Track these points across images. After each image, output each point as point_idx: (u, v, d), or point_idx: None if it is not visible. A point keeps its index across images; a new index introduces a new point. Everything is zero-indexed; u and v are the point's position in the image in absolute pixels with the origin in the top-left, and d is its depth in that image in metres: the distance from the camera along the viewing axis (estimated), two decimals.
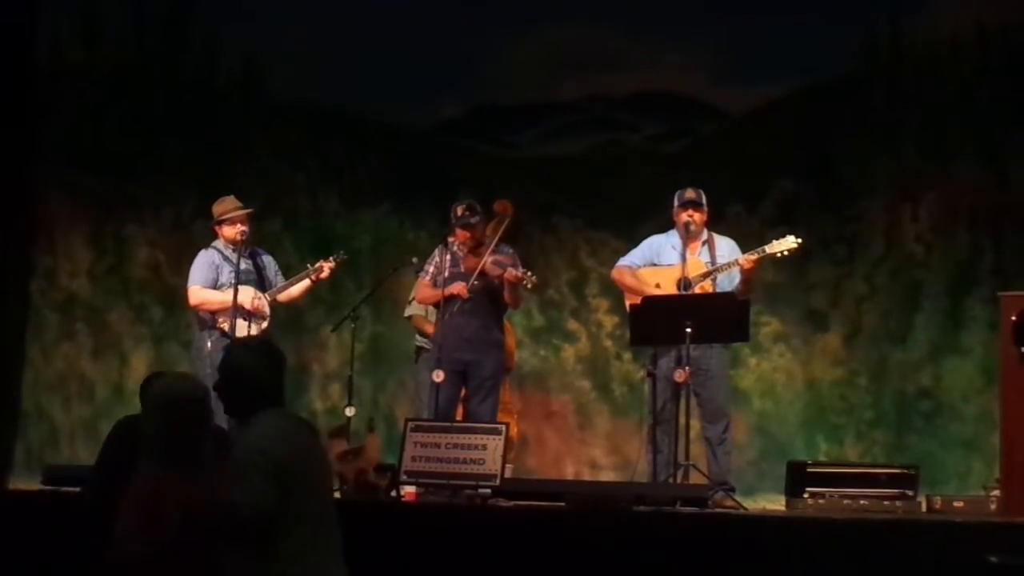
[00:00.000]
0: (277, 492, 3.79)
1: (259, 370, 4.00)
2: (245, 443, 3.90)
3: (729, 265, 7.12)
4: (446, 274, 7.34)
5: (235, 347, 4.32)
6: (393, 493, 6.46)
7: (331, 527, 3.98)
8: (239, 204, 7.62)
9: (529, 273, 7.17)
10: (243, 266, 7.52)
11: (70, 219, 9.61)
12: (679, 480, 6.69)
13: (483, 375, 7.32)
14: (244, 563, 3.84)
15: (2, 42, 9.16)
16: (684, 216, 7.22)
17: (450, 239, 7.46)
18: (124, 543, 3.90)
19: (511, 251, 7.49)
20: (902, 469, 6.95)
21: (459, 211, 7.37)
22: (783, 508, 6.93)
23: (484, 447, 6.33)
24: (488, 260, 7.29)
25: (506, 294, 7.34)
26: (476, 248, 7.39)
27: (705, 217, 7.30)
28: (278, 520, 3.80)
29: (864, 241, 9.19)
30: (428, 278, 7.49)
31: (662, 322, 6.81)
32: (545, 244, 9.49)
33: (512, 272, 7.16)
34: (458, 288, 7.23)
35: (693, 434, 6.90)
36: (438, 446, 6.39)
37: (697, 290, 7.11)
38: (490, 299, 7.38)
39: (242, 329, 7.30)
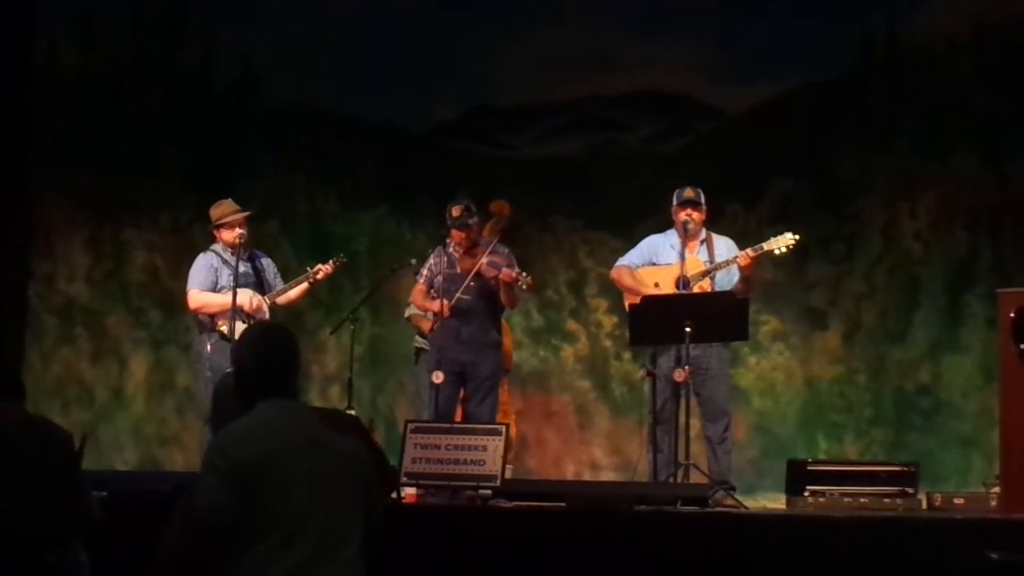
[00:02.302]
0: (234, 496, 3.50)
1: (251, 362, 3.76)
2: (212, 442, 3.67)
3: (727, 263, 7.12)
4: (441, 276, 7.34)
5: (239, 339, 4.02)
6: (393, 495, 6.46)
7: (321, 535, 3.56)
8: (237, 207, 7.62)
9: (524, 274, 7.17)
10: (242, 269, 7.52)
11: (68, 223, 9.60)
12: (679, 479, 6.70)
13: (481, 376, 7.33)
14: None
15: None
16: (682, 215, 7.23)
17: (447, 240, 7.47)
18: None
19: (506, 251, 7.49)
20: (902, 467, 6.95)
21: (455, 212, 7.37)
22: (783, 507, 6.93)
23: (484, 448, 6.33)
24: (484, 261, 7.29)
25: (502, 295, 7.35)
26: (472, 249, 7.39)
27: (703, 216, 7.30)
28: (244, 527, 3.51)
29: (862, 239, 9.20)
30: (423, 281, 7.49)
31: (661, 321, 6.81)
32: (543, 245, 9.49)
33: (507, 273, 7.16)
34: (436, 306, 7.24)
35: (693, 433, 6.90)
36: (438, 447, 6.39)
37: (696, 289, 7.12)
38: (487, 300, 7.38)
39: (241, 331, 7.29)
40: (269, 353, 3.77)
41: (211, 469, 3.56)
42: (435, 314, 7.31)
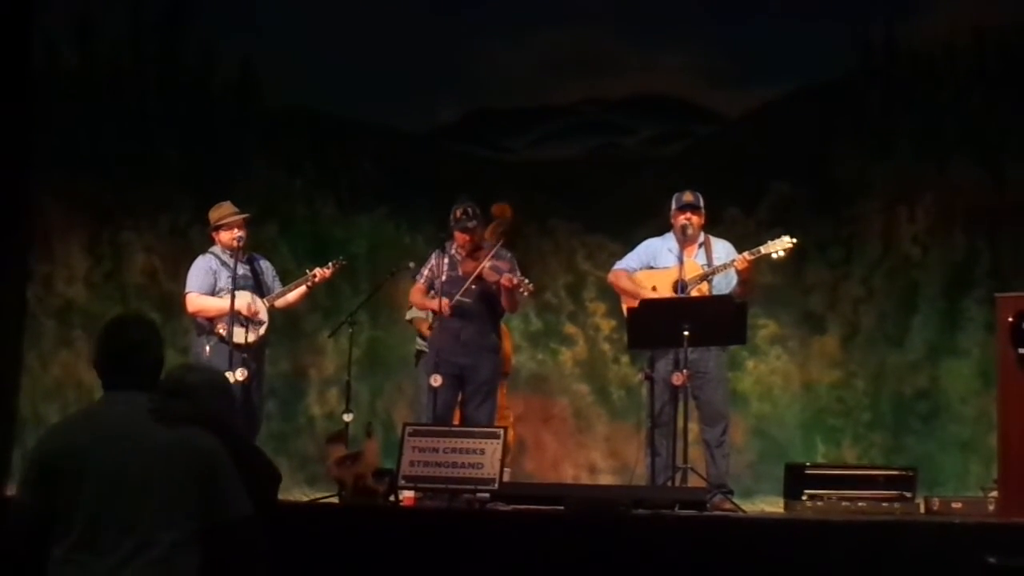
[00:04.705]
0: (35, 492, 3.47)
1: (95, 353, 3.69)
2: None
3: (725, 266, 7.13)
4: (443, 278, 7.33)
5: None
6: (392, 498, 6.46)
7: (118, 535, 3.41)
8: (235, 209, 7.62)
9: (526, 280, 7.17)
10: (240, 271, 7.52)
11: (66, 226, 9.58)
12: (678, 483, 6.70)
13: (480, 379, 7.33)
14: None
15: None
16: (681, 219, 7.23)
17: (447, 243, 7.46)
18: None
19: (509, 255, 7.49)
20: (900, 471, 6.96)
21: (457, 214, 7.37)
22: (781, 510, 6.94)
23: (482, 451, 6.33)
24: (486, 265, 7.29)
25: (503, 299, 7.34)
26: (474, 252, 7.39)
27: (702, 220, 7.31)
28: (54, 525, 3.44)
29: (861, 243, 9.21)
30: (423, 282, 7.49)
31: (660, 325, 6.81)
32: (542, 248, 9.49)
33: (509, 278, 7.16)
34: (435, 305, 7.22)
35: (691, 437, 6.90)
36: (436, 451, 6.39)
37: (694, 292, 7.12)
38: (487, 303, 7.38)
39: (239, 335, 7.30)
40: (107, 345, 3.69)
41: (24, 464, 3.55)
42: (434, 314, 7.29)
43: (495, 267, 7.30)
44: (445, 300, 7.21)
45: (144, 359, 3.67)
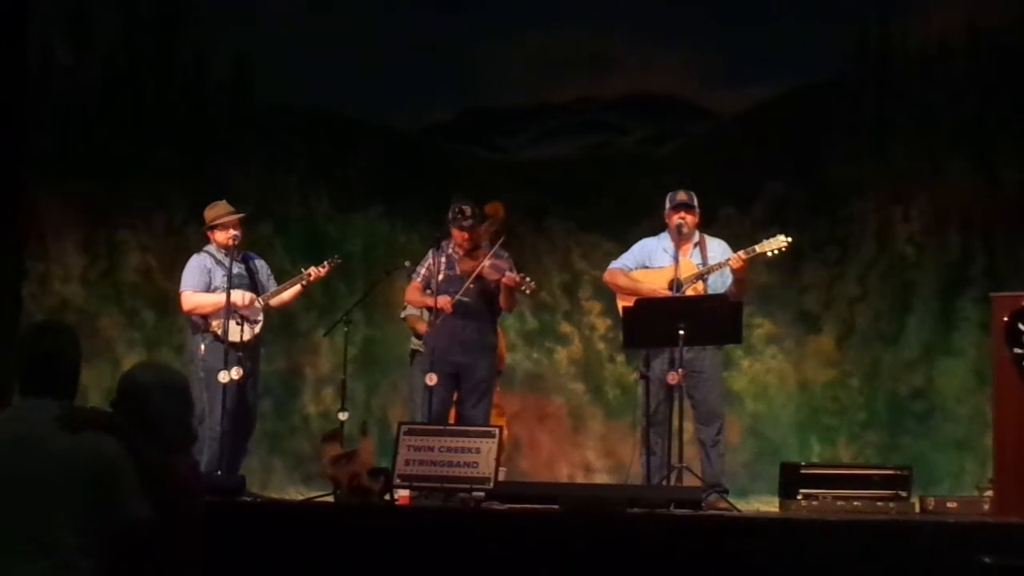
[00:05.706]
0: None
1: (13, 358, 3.69)
2: None
3: (720, 265, 7.13)
4: (440, 277, 7.32)
5: None
6: (387, 497, 6.45)
7: (13, 540, 3.43)
8: (231, 209, 7.61)
9: (528, 279, 7.16)
10: (235, 270, 7.50)
11: (62, 224, 9.58)
12: (673, 482, 6.70)
13: (476, 378, 7.32)
14: None
15: None
16: (676, 218, 7.23)
17: (443, 242, 7.45)
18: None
19: (507, 255, 7.48)
20: (895, 470, 6.95)
21: (455, 212, 7.36)
22: (777, 510, 6.94)
23: (477, 450, 6.33)
24: (486, 264, 7.28)
25: (501, 298, 7.34)
26: (472, 251, 7.38)
27: (697, 219, 7.30)
28: None
29: (856, 242, 9.22)
30: (420, 280, 7.48)
31: (655, 324, 6.81)
32: (537, 247, 9.49)
33: (511, 276, 7.15)
34: (442, 302, 7.21)
35: (686, 436, 6.91)
36: (431, 450, 6.39)
37: (689, 291, 7.12)
38: (485, 303, 7.38)
39: (235, 333, 7.29)
40: (23, 351, 3.70)
41: None
42: (434, 311, 7.25)
43: (495, 266, 7.29)
44: (446, 298, 7.20)
45: (59, 367, 3.69)
